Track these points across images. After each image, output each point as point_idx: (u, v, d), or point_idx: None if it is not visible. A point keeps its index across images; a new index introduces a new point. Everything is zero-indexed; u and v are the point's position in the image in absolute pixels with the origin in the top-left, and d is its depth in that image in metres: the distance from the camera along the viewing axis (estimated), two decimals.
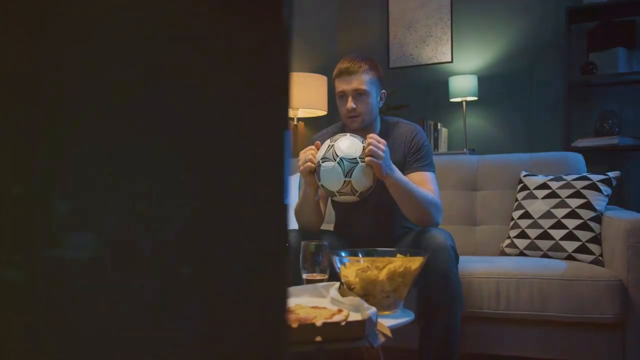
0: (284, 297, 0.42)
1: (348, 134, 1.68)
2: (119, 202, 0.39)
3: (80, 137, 0.38)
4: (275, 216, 0.42)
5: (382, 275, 1.31)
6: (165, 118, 0.37)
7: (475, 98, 3.83)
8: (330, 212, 2.08)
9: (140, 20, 0.35)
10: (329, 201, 1.99)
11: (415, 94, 4.12)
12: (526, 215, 2.18)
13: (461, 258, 2.01)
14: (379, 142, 1.60)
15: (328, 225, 2.13)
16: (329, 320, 1.07)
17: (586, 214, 2.05)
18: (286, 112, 0.41)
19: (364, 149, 1.61)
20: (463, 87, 3.79)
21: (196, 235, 0.41)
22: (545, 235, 2.10)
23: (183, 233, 0.41)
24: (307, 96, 3.33)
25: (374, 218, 1.88)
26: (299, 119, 3.61)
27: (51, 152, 0.37)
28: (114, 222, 0.39)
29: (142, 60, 0.37)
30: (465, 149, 3.77)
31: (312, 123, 3.85)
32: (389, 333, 1.16)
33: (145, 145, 0.39)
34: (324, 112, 3.49)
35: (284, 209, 0.43)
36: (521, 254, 2.16)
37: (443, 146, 3.90)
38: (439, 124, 3.91)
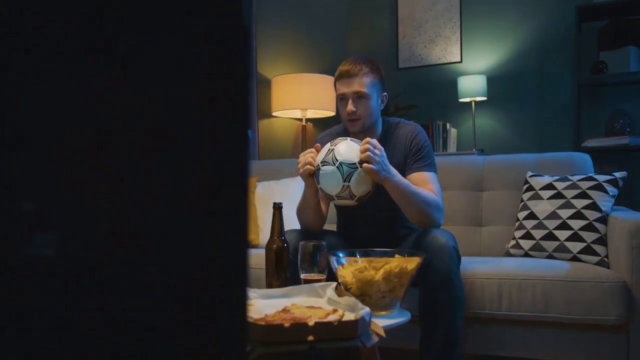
0: (242, 296, 0.43)
1: (348, 139, 1.68)
2: (82, 203, 0.40)
3: (46, 139, 0.39)
4: (235, 218, 0.43)
5: (378, 275, 1.31)
6: (123, 118, 0.38)
7: (485, 98, 3.82)
8: (332, 213, 2.08)
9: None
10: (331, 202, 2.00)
11: (424, 94, 4.11)
12: (531, 215, 2.17)
13: (464, 259, 2.00)
14: (374, 147, 1.59)
15: (331, 226, 2.14)
16: (322, 320, 1.08)
17: (592, 215, 2.03)
18: (245, 115, 0.42)
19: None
20: (472, 87, 3.78)
21: (159, 236, 0.42)
22: (550, 236, 2.08)
23: (145, 233, 0.42)
24: (315, 97, 3.34)
25: (376, 219, 1.89)
26: (307, 120, 3.62)
27: (16, 153, 0.39)
28: (77, 222, 0.40)
29: (101, 62, 0.38)
30: (474, 150, 3.75)
31: (321, 123, 3.86)
32: (382, 333, 1.16)
33: (107, 147, 0.40)
34: (332, 113, 3.50)
35: (244, 211, 0.44)
36: (526, 254, 2.14)
37: (452, 146, 3.89)
38: (448, 125, 3.90)
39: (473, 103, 3.85)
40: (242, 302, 0.42)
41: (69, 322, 0.40)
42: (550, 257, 2.07)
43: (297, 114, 3.54)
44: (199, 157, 0.41)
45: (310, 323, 1.06)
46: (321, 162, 1.63)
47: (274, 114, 3.56)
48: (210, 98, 0.41)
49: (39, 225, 0.39)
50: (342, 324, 1.07)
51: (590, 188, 2.09)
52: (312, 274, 1.44)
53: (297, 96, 3.36)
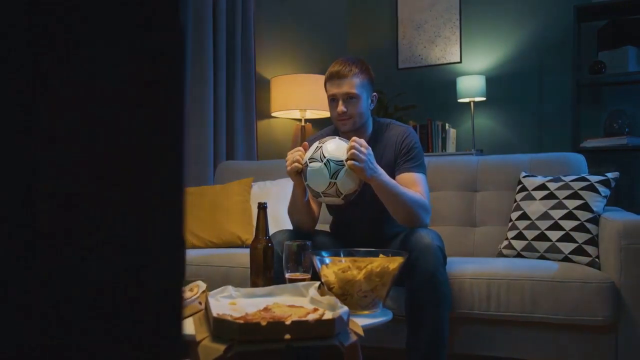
0: (179, 288, 0.44)
1: (337, 137, 1.69)
2: (19, 200, 0.42)
3: None
4: (172, 216, 0.44)
5: (360, 275, 1.33)
6: (55, 119, 0.40)
7: (484, 98, 3.82)
8: (326, 213, 2.10)
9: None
10: None
11: (424, 95, 4.12)
12: (524, 216, 2.17)
13: (454, 259, 2.01)
14: (361, 145, 1.60)
15: (323, 225, 2.15)
16: (298, 319, 1.10)
17: (583, 216, 2.03)
18: (179, 123, 0.43)
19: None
20: (471, 87, 3.78)
21: (100, 232, 0.43)
22: (542, 237, 2.08)
23: (89, 230, 0.43)
24: (314, 97, 3.35)
25: (367, 218, 1.90)
26: (306, 120, 3.63)
27: None
28: (13, 218, 0.42)
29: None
30: (473, 150, 3.75)
31: (320, 124, 3.87)
32: (361, 332, 1.17)
33: (43, 146, 0.41)
34: None
35: (180, 205, 0.45)
36: (518, 255, 2.15)
37: (451, 147, 3.89)
38: (447, 125, 3.90)
39: (472, 103, 3.85)
40: (178, 293, 0.43)
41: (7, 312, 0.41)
42: (542, 257, 2.08)
43: (297, 114, 3.56)
44: (131, 160, 0.42)
45: (287, 322, 1.07)
46: (309, 159, 1.64)
47: (273, 114, 3.58)
48: (143, 97, 0.42)
49: None
50: (319, 323, 1.09)
51: (582, 189, 2.09)
52: (297, 274, 1.45)
53: (297, 97, 3.38)
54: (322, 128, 3.60)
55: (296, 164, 1.66)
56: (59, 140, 0.39)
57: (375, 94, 1.90)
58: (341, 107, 1.80)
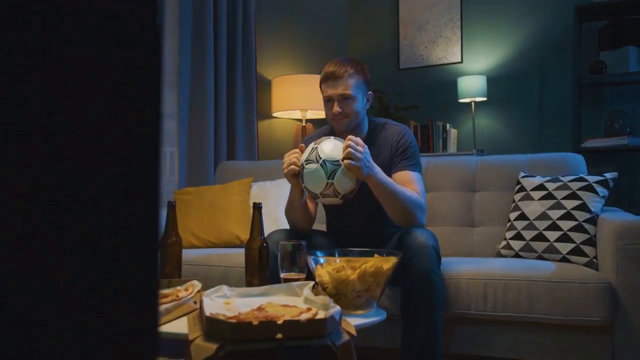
0: (154, 285, 0.44)
1: (332, 137, 1.69)
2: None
3: None
4: (146, 214, 0.45)
5: (354, 275, 1.33)
6: (28, 120, 0.40)
7: (485, 99, 3.81)
8: (322, 212, 2.10)
9: None
10: None
11: (425, 95, 4.11)
12: (522, 216, 2.17)
13: (452, 259, 2.02)
14: (357, 144, 1.61)
15: (320, 225, 2.16)
16: (291, 318, 1.10)
17: (581, 216, 2.03)
18: (156, 130, 0.44)
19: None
20: (472, 87, 3.78)
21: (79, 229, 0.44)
22: (540, 237, 2.08)
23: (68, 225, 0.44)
24: (315, 98, 3.35)
25: (363, 218, 1.90)
26: (307, 120, 3.64)
27: None
28: None
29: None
30: (473, 150, 3.75)
31: (321, 124, 3.87)
32: (354, 332, 1.18)
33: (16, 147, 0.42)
34: None
35: (155, 207, 0.46)
36: (517, 255, 2.15)
37: (452, 147, 3.89)
38: (448, 125, 3.90)
39: (473, 103, 3.85)
40: (154, 290, 0.44)
41: None
42: (540, 257, 2.07)
43: (297, 114, 3.57)
44: (106, 160, 0.43)
45: (279, 321, 1.08)
46: (305, 161, 1.64)
47: (274, 114, 3.59)
48: (117, 100, 0.42)
49: None
50: (310, 323, 1.09)
51: (580, 189, 2.09)
52: (292, 273, 1.46)
53: (297, 97, 3.39)
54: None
55: (293, 166, 1.66)
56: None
57: (370, 92, 1.91)
58: (337, 108, 1.81)
